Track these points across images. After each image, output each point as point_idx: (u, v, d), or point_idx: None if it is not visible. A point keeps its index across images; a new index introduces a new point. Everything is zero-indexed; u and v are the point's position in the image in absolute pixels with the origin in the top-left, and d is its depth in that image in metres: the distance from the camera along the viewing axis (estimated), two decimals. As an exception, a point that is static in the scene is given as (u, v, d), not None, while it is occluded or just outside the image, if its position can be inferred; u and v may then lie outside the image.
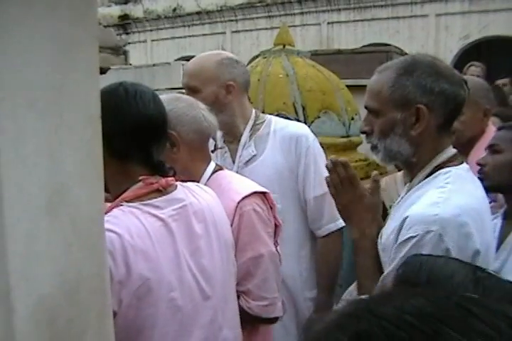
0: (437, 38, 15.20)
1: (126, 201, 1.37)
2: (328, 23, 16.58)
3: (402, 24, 15.56)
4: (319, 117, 3.49)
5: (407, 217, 1.42)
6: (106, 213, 1.32)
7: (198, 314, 1.41)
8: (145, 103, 1.41)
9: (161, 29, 19.57)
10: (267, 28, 16.70)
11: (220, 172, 1.85)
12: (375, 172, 1.75)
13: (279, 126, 2.27)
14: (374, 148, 1.58)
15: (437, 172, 1.52)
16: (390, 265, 1.44)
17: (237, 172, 2.20)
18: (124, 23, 20.01)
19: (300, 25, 16.67)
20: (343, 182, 1.64)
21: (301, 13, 16.84)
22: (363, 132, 1.61)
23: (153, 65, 7.13)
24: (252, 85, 3.71)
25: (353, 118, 3.79)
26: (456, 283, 0.59)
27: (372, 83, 1.57)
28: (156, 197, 1.41)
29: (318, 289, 2.30)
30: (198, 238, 1.45)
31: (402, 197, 1.63)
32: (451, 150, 1.56)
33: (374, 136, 1.56)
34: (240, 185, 1.81)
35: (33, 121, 0.56)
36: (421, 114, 1.49)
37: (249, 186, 1.81)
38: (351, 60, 5.40)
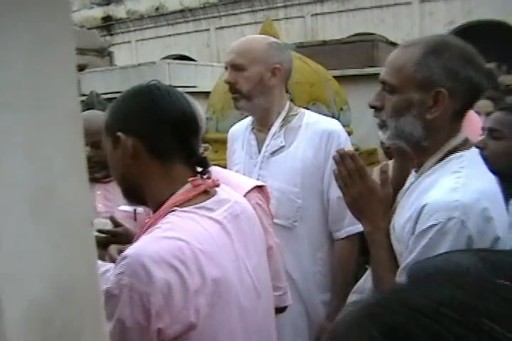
0: (422, 25, 15.22)
1: (177, 206, 1.30)
2: (312, 15, 16.56)
3: (386, 13, 15.56)
4: (308, 109, 3.48)
5: (426, 205, 1.36)
6: (156, 220, 1.28)
7: (256, 315, 1.38)
8: (178, 98, 1.37)
9: (145, 29, 19.49)
10: (251, 23, 16.67)
11: (212, 168, 1.84)
12: (384, 162, 1.70)
13: (312, 120, 2.20)
14: (382, 125, 1.51)
15: (449, 157, 1.46)
16: (409, 255, 1.39)
17: (261, 162, 2.17)
18: (108, 25, 19.91)
19: (284, 19, 16.65)
20: (351, 175, 1.59)
21: (285, 7, 16.81)
22: (372, 106, 1.53)
23: (139, 65, 7.10)
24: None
25: (342, 109, 3.79)
26: (466, 267, 0.57)
27: (395, 57, 1.48)
28: (205, 200, 1.35)
29: (332, 294, 2.20)
30: (247, 237, 1.42)
31: (411, 184, 1.56)
32: (462, 135, 1.50)
33: (384, 112, 1.49)
34: (238, 180, 1.78)
35: (8, 121, 0.55)
36: (440, 98, 1.41)
37: (247, 180, 1.79)
38: (337, 50, 5.39)
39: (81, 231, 0.60)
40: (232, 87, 2.14)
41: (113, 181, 2.39)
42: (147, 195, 1.35)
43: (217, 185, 1.41)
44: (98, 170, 2.32)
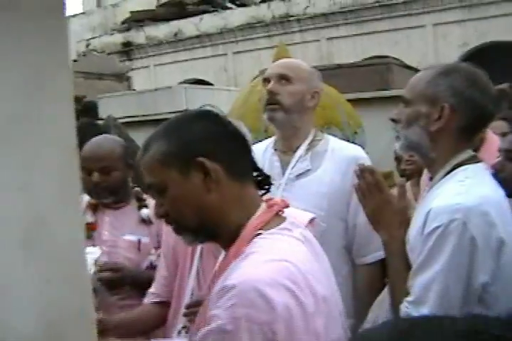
0: (436, 47, 15.23)
1: (260, 229, 1.23)
2: (328, 38, 16.66)
3: (401, 35, 15.61)
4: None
5: (431, 209, 1.48)
6: (241, 247, 1.20)
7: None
8: (229, 121, 1.35)
9: (163, 54, 19.77)
10: (267, 48, 16.80)
11: None
12: (401, 179, 1.87)
13: (338, 146, 2.25)
14: (398, 136, 1.70)
15: (456, 170, 1.59)
16: (418, 257, 1.49)
17: (286, 184, 2.17)
18: (127, 50, 20.24)
19: (300, 43, 16.76)
20: (370, 188, 1.72)
21: (300, 31, 16.95)
22: (392, 119, 1.76)
23: (156, 90, 7.18)
24: (252, 105, 3.72)
25: (356, 132, 3.78)
26: None
27: (414, 77, 1.70)
28: (282, 221, 1.28)
29: (357, 320, 2.09)
30: (323, 262, 1.35)
31: (423, 197, 1.70)
32: (470, 152, 1.64)
33: (400, 124, 1.68)
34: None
35: (3, 153, 0.55)
36: (444, 112, 1.57)
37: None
38: (351, 74, 5.41)
39: (73, 266, 0.59)
40: (273, 98, 2.17)
41: (123, 208, 2.38)
42: (222, 224, 1.25)
43: (288, 206, 1.34)
44: (106, 196, 2.29)
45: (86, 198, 2.36)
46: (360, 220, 2.12)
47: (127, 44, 20.32)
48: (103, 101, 7.46)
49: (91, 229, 2.28)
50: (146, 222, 2.29)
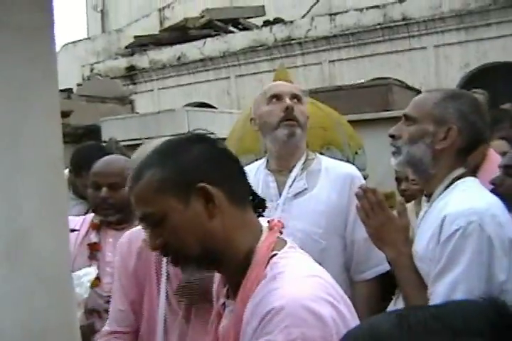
0: (438, 69, 15.33)
1: (272, 250, 1.22)
2: (330, 61, 16.80)
3: (402, 57, 15.73)
4: (322, 154, 3.47)
5: (446, 216, 1.59)
6: (260, 270, 1.18)
7: None
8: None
9: (167, 77, 19.95)
10: (269, 71, 16.96)
11: None
12: (400, 197, 2.01)
13: (331, 165, 2.30)
14: (396, 151, 1.79)
15: (454, 184, 1.72)
16: (437, 264, 1.57)
17: (283, 204, 2.19)
18: (131, 74, 20.44)
19: (302, 66, 16.92)
20: (373, 207, 1.80)
21: (302, 54, 17.10)
22: (390, 135, 1.82)
23: (158, 113, 7.24)
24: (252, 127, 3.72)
25: (356, 153, 3.77)
26: (382, 332, 0.57)
27: (419, 97, 1.84)
28: (284, 240, 1.27)
29: None
30: None
31: (425, 212, 1.79)
32: (463, 169, 1.78)
33: (401, 140, 1.78)
34: None
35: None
36: (451, 134, 1.71)
37: None
38: (352, 95, 5.44)
39: (58, 278, 0.59)
40: (292, 114, 2.24)
41: (125, 229, 2.36)
42: (227, 250, 1.22)
43: (283, 226, 1.32)
44: (112, 213, 2.29)
45: (90, 217, 2.36)
46: (359, 236, 2.15)
47: (131, 68, 20.53)
48: (106, 124, 7.51)
49: (96, 249, 2.28)
50: None
